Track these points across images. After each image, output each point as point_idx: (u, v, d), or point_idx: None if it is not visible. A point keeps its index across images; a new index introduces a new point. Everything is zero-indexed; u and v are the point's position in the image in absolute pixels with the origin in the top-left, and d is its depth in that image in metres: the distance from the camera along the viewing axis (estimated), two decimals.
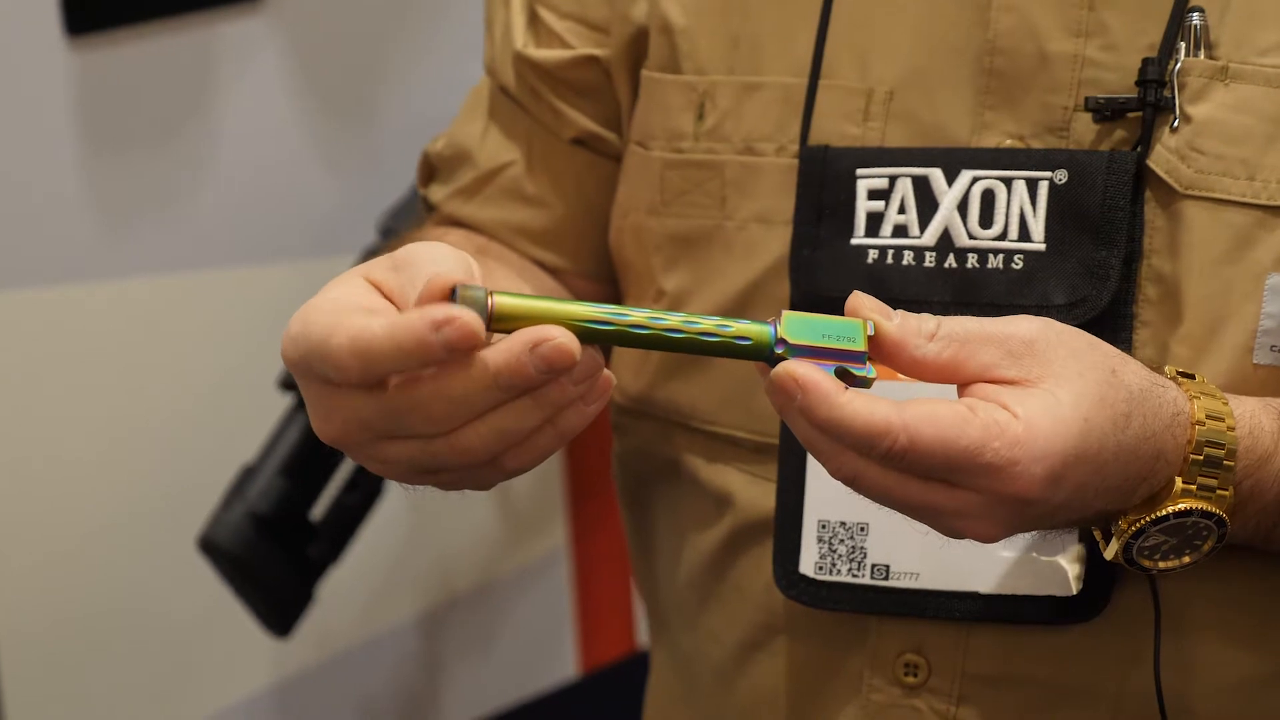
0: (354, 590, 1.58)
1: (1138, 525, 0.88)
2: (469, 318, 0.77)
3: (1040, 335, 0.84)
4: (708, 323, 0.81)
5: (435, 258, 0.81)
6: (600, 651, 1.77)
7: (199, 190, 1.45)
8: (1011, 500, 0.83)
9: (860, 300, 0.83)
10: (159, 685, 1.49)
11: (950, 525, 0.84)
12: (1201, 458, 0.87)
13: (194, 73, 1.43)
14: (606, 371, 0.82)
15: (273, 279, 1.49)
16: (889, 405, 0.80)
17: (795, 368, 0.80)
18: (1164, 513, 0.87)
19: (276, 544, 1.44)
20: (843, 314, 0.83)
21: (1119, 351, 0.88)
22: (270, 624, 1.46)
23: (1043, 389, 0.83)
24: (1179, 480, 0.87)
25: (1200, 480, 0.88)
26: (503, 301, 0.79)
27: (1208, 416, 0.88)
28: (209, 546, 1.43)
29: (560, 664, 1.76)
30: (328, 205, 1.52)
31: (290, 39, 1.47)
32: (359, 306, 0.80)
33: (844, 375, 0.81)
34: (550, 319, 0.79)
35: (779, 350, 0.81)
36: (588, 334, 0.80)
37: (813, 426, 0.81)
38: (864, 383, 0.81)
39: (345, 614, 1.59)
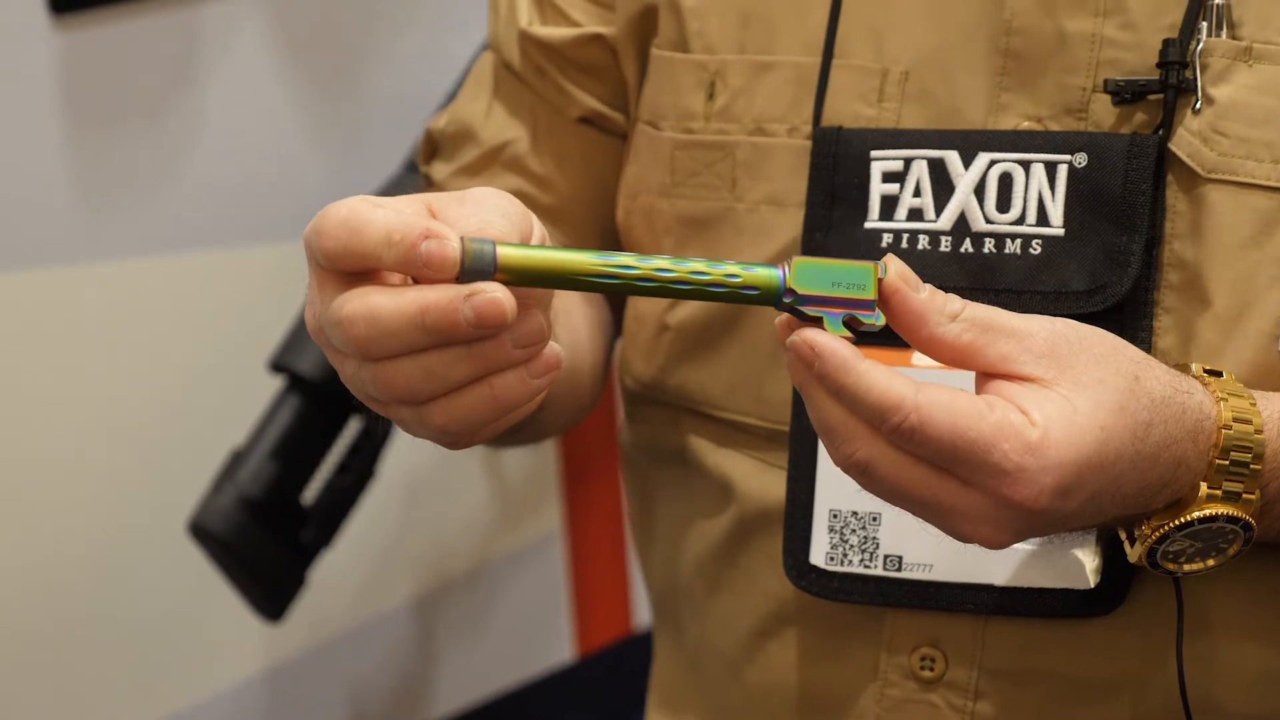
0: (347, 574, 1.57)
1: (1162, 531, 0.87)
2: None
3: (1063, 337, 0.83)
4: (716, 273, 0.80)
5: (497, 205, 0.80)
6: (596, 634, 1.76)
7: (185, 172, 1.43)
8: (1017, 507, 0.81)
9: (892, 263, 0.82)
10: (150, 671, 1.48)
11: (957, 527, 0.83)
12: (1227, 462, 0.86)
13: (179, 52, 1.41)
14: (554, 346, 0.80)
15: (260, 260, 1.48)
16: (907, 381, 0.79)
17: (812, 335, 0.79)
18: (1189, 519, 0.86)
19: (267, 528, 1.42)
20: None
21: (1144, 356, 0.86)
22: (262, 609, 1.45)
23: (1059, 394, 0.82)
24: (1204, 485, 0.86)
25: (1226, 485, 0.86)
26: (507, 252, 0.78)
27: (1235, 419, 0.86)
28: (199, 531, 1.41)
29: (556, 647, 1.75)
30: (315, 186, 1.50)
31: (275, 18, 1.46)
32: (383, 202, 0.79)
33: (852, 323, 0.81)
34: (555, 269, 0.79)
35: (786, 300, 0.80)
36: (594, 286, 0.79)
37: (828, 395, 0.79)
38: (872, 329, 0.81)
39: (338, 598, 1.58)
